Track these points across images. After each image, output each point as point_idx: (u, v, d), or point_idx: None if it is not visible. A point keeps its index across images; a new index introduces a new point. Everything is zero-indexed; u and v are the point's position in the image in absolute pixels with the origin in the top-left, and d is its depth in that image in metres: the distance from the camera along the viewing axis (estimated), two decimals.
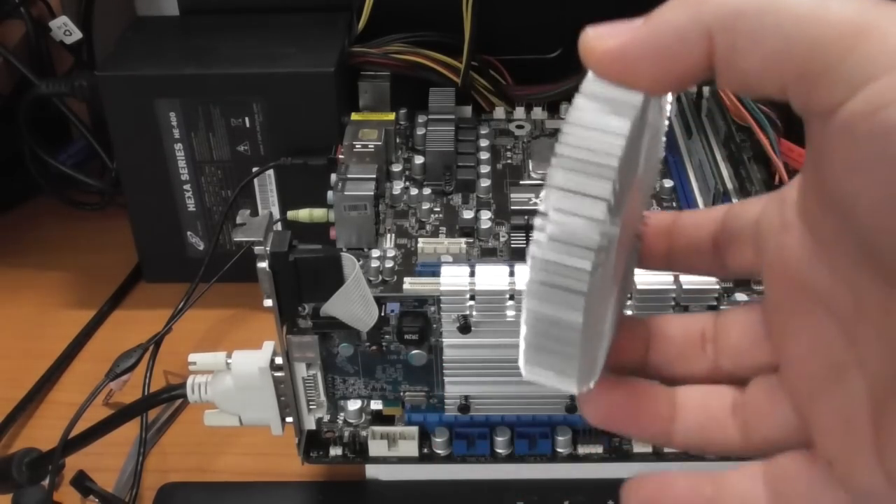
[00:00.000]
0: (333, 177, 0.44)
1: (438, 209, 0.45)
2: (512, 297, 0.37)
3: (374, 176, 0.44)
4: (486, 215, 0.44)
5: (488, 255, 0.42)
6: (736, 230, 0.26)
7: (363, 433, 0.42)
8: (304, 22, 0.55)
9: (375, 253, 0.41)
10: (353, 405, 0.42)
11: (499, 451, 0.42)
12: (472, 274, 0.38)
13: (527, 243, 0.42)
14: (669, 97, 0.24)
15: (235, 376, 0.40)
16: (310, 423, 0.42)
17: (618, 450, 0.43)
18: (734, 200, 0.43)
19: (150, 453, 0.48)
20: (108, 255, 0.60)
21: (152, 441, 0.48)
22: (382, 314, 0.38)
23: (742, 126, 0.45)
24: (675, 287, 0.37)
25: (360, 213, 0.42)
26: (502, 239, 0.43)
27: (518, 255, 0.41)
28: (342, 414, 0.42)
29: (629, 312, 0.37)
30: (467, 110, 0.54)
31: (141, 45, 0.54)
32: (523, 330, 0.22)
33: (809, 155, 0.22)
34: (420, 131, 0.50)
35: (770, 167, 0.43)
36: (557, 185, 0.21)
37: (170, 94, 0.51)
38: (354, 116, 0.50)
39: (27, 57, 0.59)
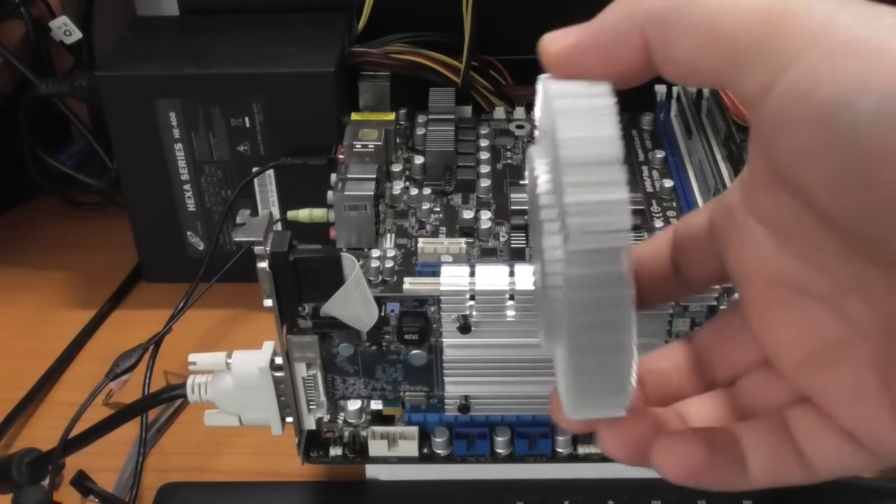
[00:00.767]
0: (333, 177, 0.44)
1: (438, 209, 0.45)
2: (512, 297, 0.37)
3: (374, 176, 0.44)
4: (486, 215, 0.44)
5: (488, 255, 0.42)
6: (690, 244, 0.27)
7: (363, 433, 0.42)
8: (304, 22, 0.55)
9: (375, 253, 0.40)
10: (353, 405, 0.42)
11: (499, 451, 0.42)
12: (472, 274, 0.38)
13: (527, 243, 0.42)
14: None
15: (235, 376, 0.40)
16: (310, 423, 0.42)
17: None
18: None
19: (150, 453, 0.48)
20: (108, 255, 0.60)
21: (152, 441, 0.48)
22: (382, 314, 0.38)
23: (742, 126, 0.45)
24: None
25: (360, 213, 0.42)
26: (502, 239, 0.43)
27: (518, 255, 0.41)
28: (342, 414, 0.42)
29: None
30: (467, 110, 0.54)
31: (141, 45, 0.54)
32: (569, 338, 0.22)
33: (754, 146, 0.22)
34: (420, 131, 0.50)
35: None
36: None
37: (170, 94, 0.51)
38: (354, 116, 0.50)
39: (27, 57, 0.59)
